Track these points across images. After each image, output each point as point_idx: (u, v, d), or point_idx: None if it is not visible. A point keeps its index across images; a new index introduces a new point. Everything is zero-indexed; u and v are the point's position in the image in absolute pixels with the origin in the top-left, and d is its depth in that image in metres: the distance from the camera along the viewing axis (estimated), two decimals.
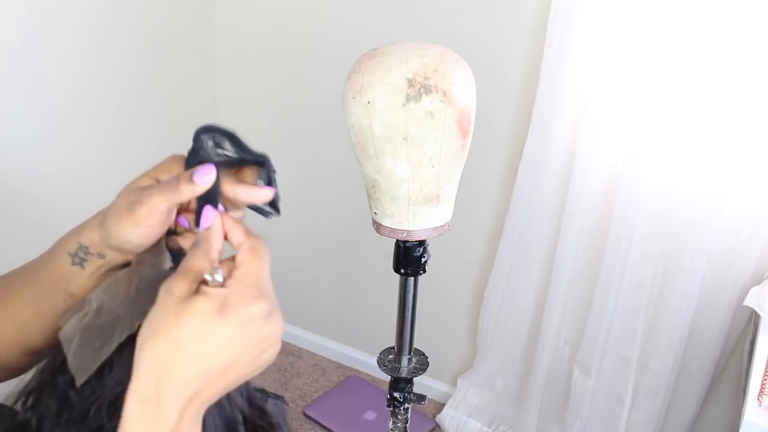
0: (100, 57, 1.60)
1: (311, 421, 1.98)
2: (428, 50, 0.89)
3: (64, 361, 0.51)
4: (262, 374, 0.50)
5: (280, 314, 0.49)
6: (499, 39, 1.60)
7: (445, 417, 1.98)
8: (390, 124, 0.89)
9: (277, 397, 0.64)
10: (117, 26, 1.63)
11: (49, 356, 0.54)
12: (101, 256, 0.54)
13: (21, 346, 0.58)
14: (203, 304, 0.45)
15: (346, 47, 1.66)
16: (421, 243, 1.03)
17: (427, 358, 1.17)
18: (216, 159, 0.52)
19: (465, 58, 0.94)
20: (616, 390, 1.64)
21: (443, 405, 2.01)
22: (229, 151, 0.53)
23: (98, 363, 0.49)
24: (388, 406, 1.16)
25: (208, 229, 0.51)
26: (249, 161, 0.54)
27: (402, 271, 1.05)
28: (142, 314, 0.48)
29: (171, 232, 0.55)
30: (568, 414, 1.74)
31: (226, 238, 0.51)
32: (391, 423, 1.19)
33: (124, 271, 0.54)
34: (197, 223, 0.52)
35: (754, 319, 1.38)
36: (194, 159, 0.53)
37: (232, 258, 0.50)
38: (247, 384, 0.57)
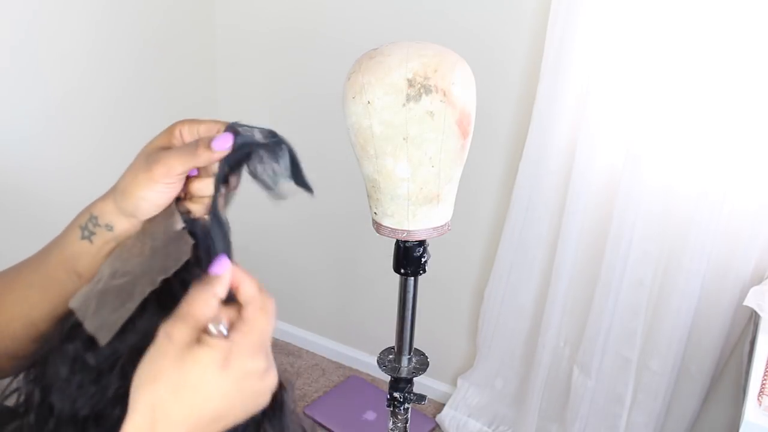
0: (100, 56, 1.60)
1: (311, 421, 1.98)
2: (428, 50, 0.89)
3: (72, 328, 0.51)
4: None
5: (276, 370, 0.51)
6: (499, 39, 1.60)
7: (445, 417, 1.98)
8: (390, 124, 0.89)
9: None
10: (117, 26, 1.63)
11: (51, 331, 0.55)
12: (109, 227, 0.55)
13: (28, 333, 0.59)
14: (207, 356, 0.46)
15: (346, 47, 1.66)
16: (421, 243, 1.03)
17: (427, 358, 1.17)
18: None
19: (465, 58, 0.94)
20: (616, 390, 1.64)
21: (443, 405, 2.01)
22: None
23: (123, 320, 0.50)
24: (388, 406, 1.16)
25: (217, 276, 0.51)
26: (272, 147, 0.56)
27: (402, 271, 1.05)
28: (163, 270, 0.50)
29: (177, 198, 0.56)
30: (568, 414, 1.74)
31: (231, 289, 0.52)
32: (391, 423, 1.19)
33: (132, 238, 0.55)
34: (208, 267, 0.52)
35: (754, 319, 1.38)
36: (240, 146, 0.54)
37: (236, 308, 0.51)
38: None
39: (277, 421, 0.54)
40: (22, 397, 0.53)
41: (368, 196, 1.00)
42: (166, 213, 0.55)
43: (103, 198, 0.56)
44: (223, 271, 0.51)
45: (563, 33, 1.44)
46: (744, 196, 1.38)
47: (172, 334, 0.47)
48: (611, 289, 1.55)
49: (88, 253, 0.56)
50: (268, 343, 0.50)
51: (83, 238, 0.56)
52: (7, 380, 0.57)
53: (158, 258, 0.52)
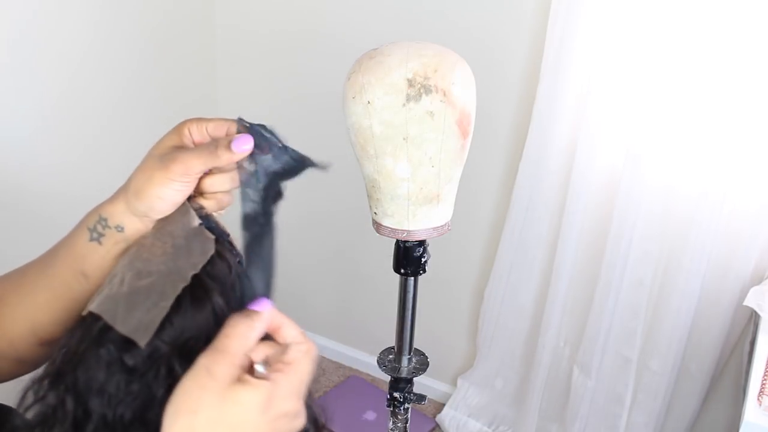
0: (100, 55, 1.61)
1: None
2: (428, 50, 0.89)
3: (100, 332, 0.51)
4: None
5: (305, 412, 0.51)
6: (499, 39, 1.60)
7: (445, 417, 1.98)
8: (390, 124, 0.89)
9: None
10: (118, 25, 1.63)
11: (67, 338, 0.53)
12: (119, 229, 0.55)
13: (35, 334, 0.58)
14: (251, 397, 0.47)
15: (346, 47, 1.66)
16: (421, 243, 1.03)
17: (427, 358, 1.17)
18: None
19: (465, 58, 0.94)
20: (616, 390, 1.64)
21: (443, 405, 2.01)
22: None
23: (161, 317, 0.50)
24: (388, 406, 1.15)
25: (258, 314, 0.51)
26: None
27: (402, 271, 1.05)
28: (192, 266, 0.51)
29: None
30: (568, 414, 1.74)
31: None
32: (391, 423, 1.19)
33: (149, 238, 0.55)
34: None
35: (754, 319, 1.38)
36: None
37: (270, 345, 0.51)
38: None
39: None
40: (48, 408, 0.52)
41: (368, 196, 1.00)
42: (181, 211, 0.55)
43: (112, 200, 0.56)
44: (263, 310, 0.51)
45: (563, 33, 1.44)
46: (744, 196, 1.38)
47: (214, 370, 0.47)
48: (611, 289, 1.55)
49: (96, 255, 0.56)
50: (304, 387, 0.51)
51: (92, 239, 0.55)
52: (16, 391, 0.56)
53: (183, 255, 0.52)
